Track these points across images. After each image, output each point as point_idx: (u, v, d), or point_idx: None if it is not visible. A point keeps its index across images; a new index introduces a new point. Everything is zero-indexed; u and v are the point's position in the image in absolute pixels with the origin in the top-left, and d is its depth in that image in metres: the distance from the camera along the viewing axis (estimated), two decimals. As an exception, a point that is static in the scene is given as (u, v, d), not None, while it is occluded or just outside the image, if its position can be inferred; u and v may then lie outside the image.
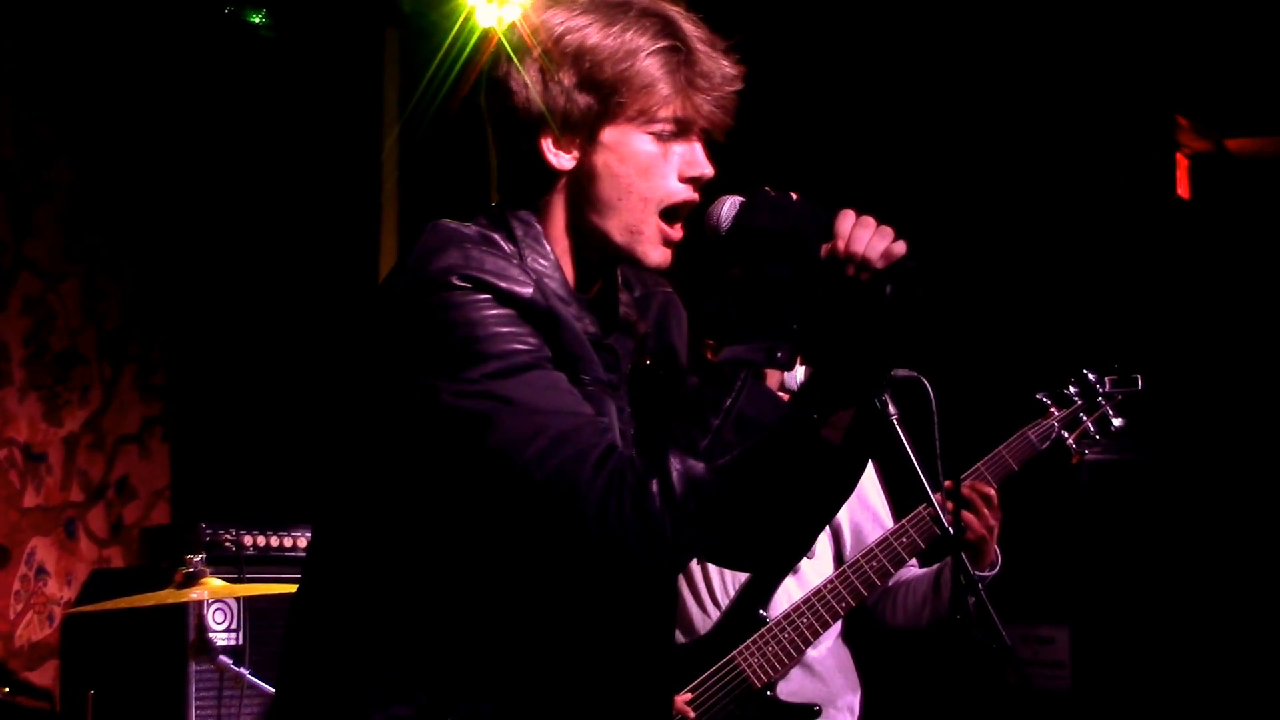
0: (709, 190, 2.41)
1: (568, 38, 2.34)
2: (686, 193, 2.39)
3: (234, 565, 5.22)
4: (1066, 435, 4.19)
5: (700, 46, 2.36)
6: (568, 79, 2.34)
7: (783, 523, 2.52)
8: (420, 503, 2.29)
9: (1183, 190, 6.29)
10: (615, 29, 2.33)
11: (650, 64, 2.33)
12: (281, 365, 6.61)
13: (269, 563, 5.38)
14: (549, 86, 2.34)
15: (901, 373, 2.59)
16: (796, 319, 2.30)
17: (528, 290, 2.26)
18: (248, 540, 5.39)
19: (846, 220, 2.32)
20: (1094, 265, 6.06)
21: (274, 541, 5.46)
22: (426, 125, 6.25)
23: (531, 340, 2.25)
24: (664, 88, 2.33)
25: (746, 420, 2.24)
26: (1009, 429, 4.16)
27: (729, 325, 2.32)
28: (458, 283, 2.23)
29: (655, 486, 2.17)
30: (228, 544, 5.32)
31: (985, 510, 3.95)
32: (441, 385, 2.21)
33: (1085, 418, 4.21)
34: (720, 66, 2.36)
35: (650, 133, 2.35)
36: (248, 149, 6.65)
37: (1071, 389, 4.24)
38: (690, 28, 2.36)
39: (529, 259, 2.34)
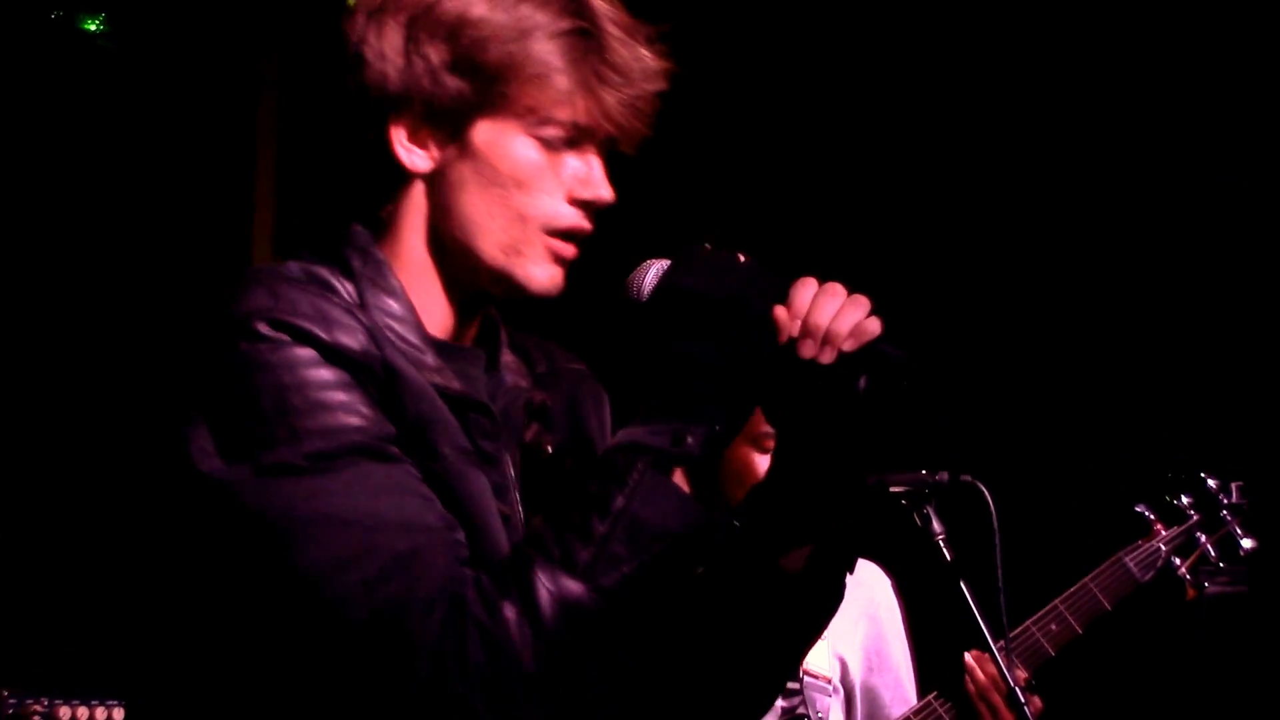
0: (618, 219, 2.24)
1: (447, 3, 2.15)
2: (576, 218, 2.18)
3: (46, 745, 4.91)
4: (1178, 563, 3.95)
5: (615, 31, 2.17)
6: (437, 55, 2.14)
7: (712, 681, 2.24)
8: (210, 619, 2.07)
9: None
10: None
11: (548, 49, 2.14)
12: (101, 467, 6.12)
13: (92, 741, 5.02)
14: (412, 61, 2.14)
15: (957, 477, 2.56)
16: (719, 407, 2.09)
17: (357, 340, 2.04)
18: (64, 713, 5.00)
19: (806, 290, 2.11)
20: (1207, 326, 5.38)
21: (100, 715, 5.03)
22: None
23: (365, 411, 2.01)
24: (562, 81, 2.15)
25: (641, 526, 1.99)
26: (1098, 554, 3.92)
27: (631, 405, 2.18)
28: (266, 332, 2.00)
29: (510, 611, 1.93)
30: (37, 718, 4.96)
31: (993, 696, 3.65)
32: (237, 471, 1.97)
33: (1204, 538, 3.97)
34: (639, 58, 2.17)
35: (537, 136, 2.16)
36: (73, 159, 5.97)
37: (1184, 499, 4.00)
38: (604, 5, 2.19)
39: (370, 299, 2.14)
